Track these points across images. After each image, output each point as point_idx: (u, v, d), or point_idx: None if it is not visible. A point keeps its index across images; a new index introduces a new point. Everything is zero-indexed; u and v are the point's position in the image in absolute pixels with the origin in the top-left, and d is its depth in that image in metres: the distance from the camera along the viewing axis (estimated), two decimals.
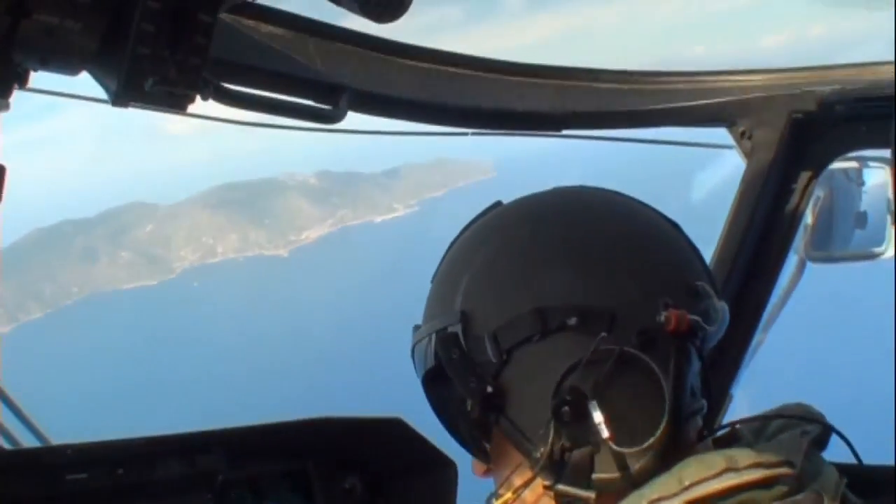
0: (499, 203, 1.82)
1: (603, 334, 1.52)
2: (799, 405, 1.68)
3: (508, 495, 1.64)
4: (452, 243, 1.81)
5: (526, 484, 1.60)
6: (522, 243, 1.67)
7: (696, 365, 1.60)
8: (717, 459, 1.47)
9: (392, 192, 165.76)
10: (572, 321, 1.54)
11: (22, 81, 2.09)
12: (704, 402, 1.65)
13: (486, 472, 1.75)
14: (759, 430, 1.66)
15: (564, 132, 3.10)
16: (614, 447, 1.50)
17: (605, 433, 1.49)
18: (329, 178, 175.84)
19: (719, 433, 1.70)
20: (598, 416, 1.50)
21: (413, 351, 1.77)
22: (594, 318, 1.54)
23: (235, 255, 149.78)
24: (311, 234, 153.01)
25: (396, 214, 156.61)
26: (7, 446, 3.78)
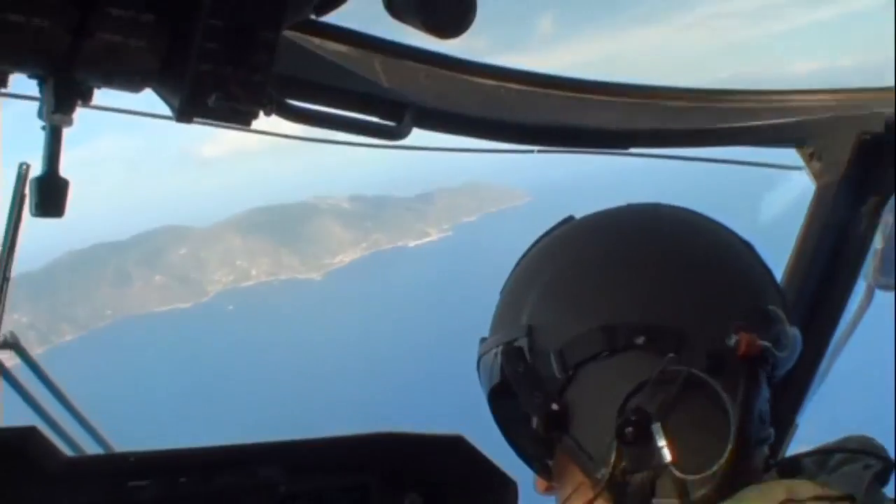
0: (571, 218, 1.80)
1: (671, 355, 1.49)
2: (862, 437, 1.65)
3: None
4: (523, 256, 1.79)
5: (591, 500, 1.57)
6: (593, 259, 1.64)
7: (765, 392, 1.57)
8: (777, 490, 1.44)
9: (425, 217, 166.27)
10: (640, 340, 1.51)
11: (85, 98, 2.08)
12: (772, 431, 1.61)
13: (548, 490, 1.73)
14: (821, 462, 1.61)
15: (631, 150, 3.04)
16: (676, 473, 1.47)
17: (668, 457, 1.47)
18: (362, 202, 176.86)
19: (783, 463, 1.64)
20: (661, 440, 1.47)
21: (479, 363, 1.76)
22: (663, 338, 1.51)
23: (269, 279, 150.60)
24: (345, 258, 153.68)
25: (430, 239, 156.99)
26: (70, 453, 3.77)
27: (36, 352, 4.35)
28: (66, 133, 2.20)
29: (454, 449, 3.62)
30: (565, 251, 1.70)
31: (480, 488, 3.74)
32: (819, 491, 1.43)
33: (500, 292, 1.78)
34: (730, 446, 1.47)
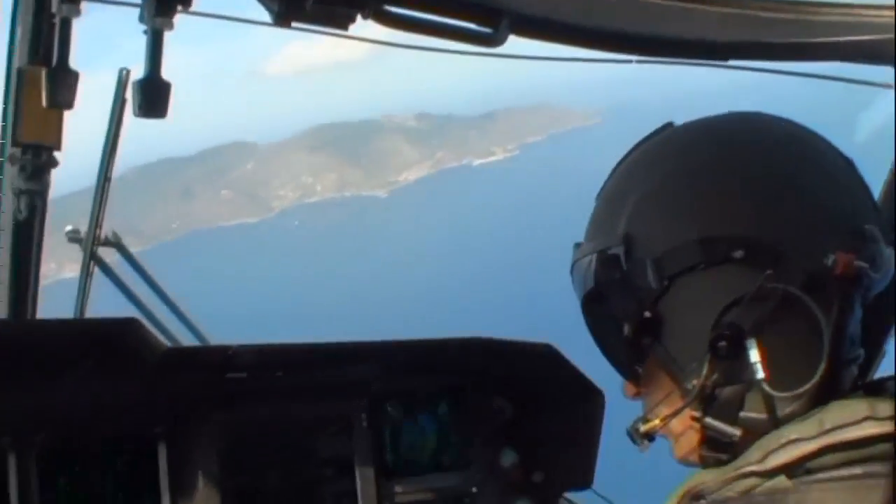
0: (670, 124, 1.76)
1: (769, 272, 1.47)
2: None
3: (656, 422, 1.64)
4: (620, 162, 1.76)
5: (675, 413, 1.60)
6: (695, 168, 1.62)
7: (858, 313, 1.55)
8: (859, 406, 1.43)
9: (491, 136, 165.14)
10: (738, 254, 1.50)
11: (185, 3, 2.09)
12: (862, 352, 1.59)
13: (637, 395, 1.75)
14: None
15: (730, 62, 2.95)
16: (767, 389, 1.47)
17: (760, 374, 1.47)
18: (428, 120, 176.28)
19: (869, 385, 1.63)
20: (754, 356, 1.48)
21: (573, 268, 1.75)
22: (761, 253, 1.50)
23: (334, 195, 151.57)
24: (410, 175, 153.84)
25: (495, 158, 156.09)
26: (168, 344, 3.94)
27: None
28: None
29: (544, 357, 3.70)
30: (666, 159, 1.67)
31: (568, 396, 3.83)
32: None
33: (597, 197, 1.76)
34: (821, 366, 1.46)
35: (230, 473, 3.57)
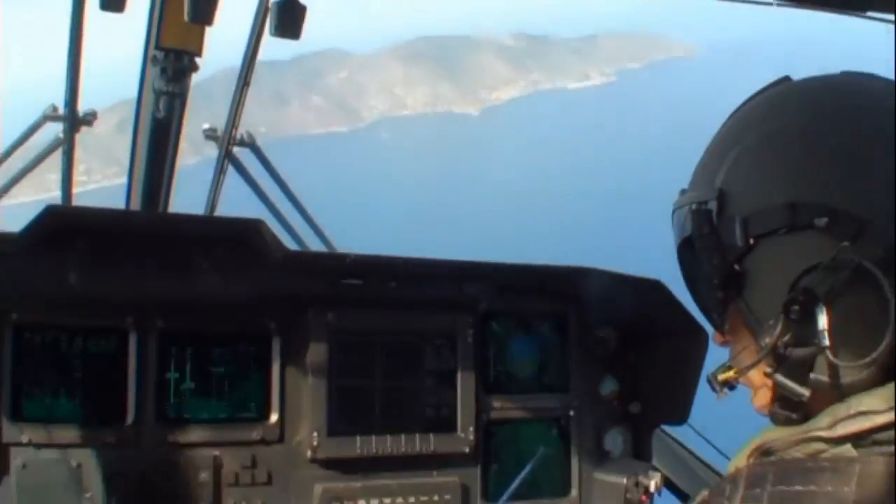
0: (786, 78, 1.75)
1: (845, 243, 1.49)
2: None
3: (731, 373, 1.69)
4: (733, 113, 1.76)
5: (749, 367, 1.64)
6: (793, 131, 1.61)
7: None
8: None
9: (588, 59, 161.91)
10: (821, 222, 1.51)
11: None
12: None
13: (724, 343, 1.78)
14: None
15: (868, 13, 2.89)
16: (830, 357, 1.50)
17: (826, 342, 1.49)
18: (524, 40, 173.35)
19: None
20: (822, 322, 1.49)
21: (673, 214, 1.79)
22: (843, 224, 1.50)
23: (425, 109, 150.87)
24: (503, 94, 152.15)
25: (592, 83, 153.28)
26: (295, 246, 4.12)
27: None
28: None
29: (652, 292, 3.75)
30: (769, 117, 1.67)
31: (673, 332, 3.87)
32: None
33: (707, 147, 1.78)
34: (885, 341, 1.47)
35: (337, 372, 3.74)
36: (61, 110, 4.18)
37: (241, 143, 4.23)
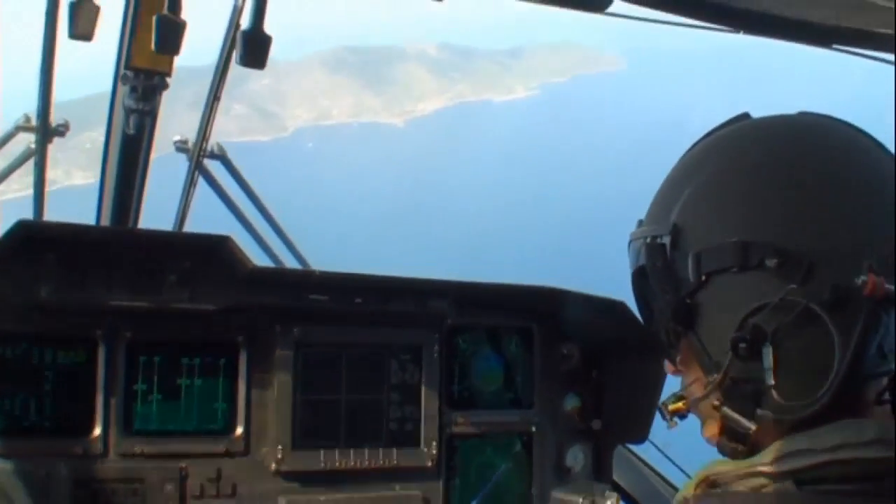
0: (745, 115, 1.82)
1: (792, 286, 1.54)
2: None
3: (680, 405, 1.78)
4: (691, 147, 1.82)
5: (698, 399, 1.71)
6: (746, 170, 1.66)
7: (891, 329, 1.59)
8: (869, 429, 1.52)
9: (513, 72, 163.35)
10: (772, 263, 1.56)
11: None
12: (893, 366, 1.62)
13: (675, 373, 1.84)
14: None
15: (834, 46, 3.00)
16: (774, 395, 1.56)
17: (771, 381, 1.55)
18: (450, 51, 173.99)
19: None
20: (769, 361, 1.55)
21: (629, 244, 1.84)
22: (793, 264, 1.55)
23: (350, 120, 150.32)
24: (428, 106, 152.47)
25: (516, 96, 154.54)
26: (263, 255, 4.19)
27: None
28: None
29: (616, 313, 3.83)
30: (725, 155, 1.72)
31: (635, 353, 3.97)
32: None
33: (664, 180, 1.83)
34: (830, 380, 1.53)
35: (303, 386, 3.80)
36: (34, 121, 4.17)
37: (212, 156, 4.27)
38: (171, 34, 2.70)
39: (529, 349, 4.21)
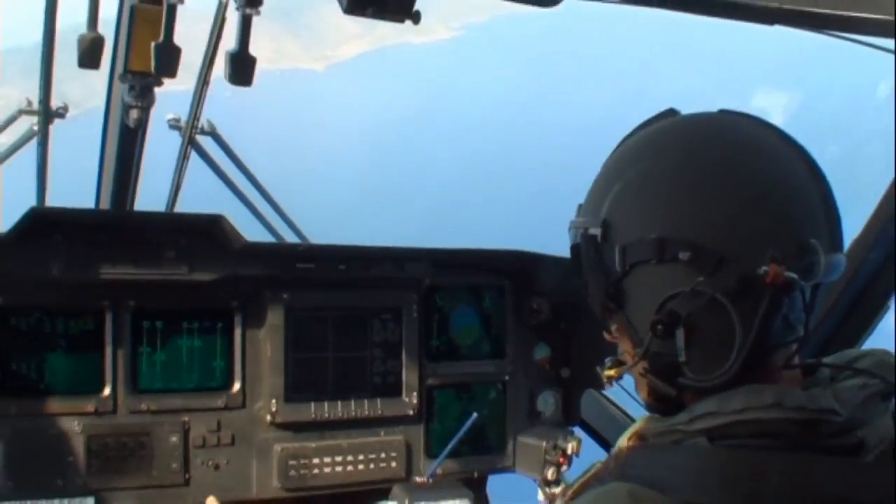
0: (671, 112, 1.99)
1: (700, 278, 1.72)
2: (877, 354, 1.88)
3: (613, 372, 1.98)
4: (621, 142, 1.99)
5: (627, 368, 1.94)
6: (664, 171, 1.84)
7: (797, 303, 1.77)
8: (768, 394, 1.70)
9: (433, 13, 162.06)
10: (685, 256, 1.73)
11: None
12: (802, 333, 1.81)
13: (613, 339, 2.03)
14: (834, 375, 1.86)
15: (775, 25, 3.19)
16: (685, 370, 1.79)
17: (682, 358, 1.76)
18: None
19: (805, 365, 1.90)
20: (681, 342, 1.76)
21: (569, 228, 2.04)
22: (704, 257, 1.73)
23: (271, 66, 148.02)
24: (348, 50, 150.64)
25: (438, 37, 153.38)
26: (259, 225, 4.52)
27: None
28: None
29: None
30: (646, 154, 1.89)
31: None
32: (804, 402, 1.67)
33: (597, 175, 2.02)
34: (731, 359, 1.72)
35: (293, 345, 4.12)
36: (35, 105, 4.35)
37: (203, 132, 4.47)
38: (168, 60, 2.95)
39: (502, 305, 4.53)
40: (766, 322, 1.72)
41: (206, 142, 4.64)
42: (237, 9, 2.64)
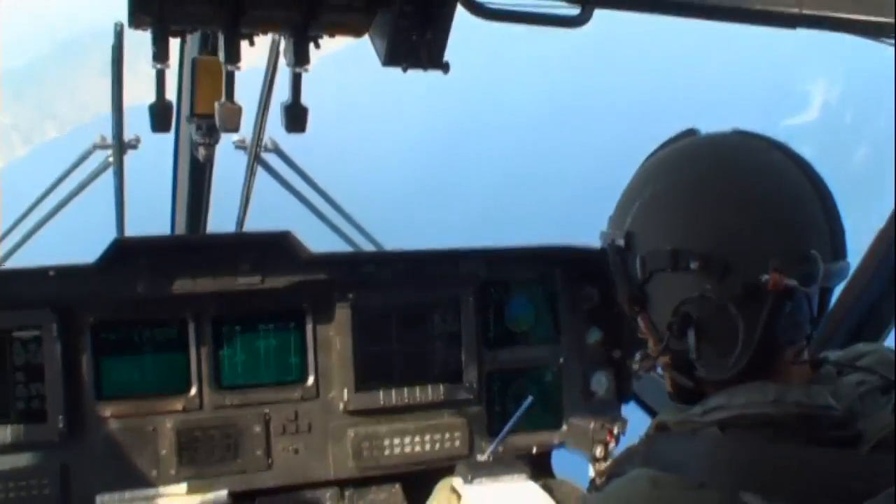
0: (691, 132, 2.17)
1: (707, 286, 1.92)
2: (880, 351, 2.08)
3: (641, 364, 2.21)
4: (646, 160, 2.19)
5: (651, 362, 2.17)
6: (679, 187, 2.03)
7: (803, 306, 1.95)
8: (769, 391, 1.87)
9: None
10: (695, 265, 1.92)
11: (317, 47, 2.83)
12: (809, 330, 2.00)
13: (642, 336, 2.25)
14: (838, 371, 2.02)
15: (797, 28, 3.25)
16: (697, 366, 2.03)
17: (693, 355, 1.97)
18: None
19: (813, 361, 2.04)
20: (692, 341, 1.97)
21: (600, 236, 2.26)
22: (712, 266, 1.91)
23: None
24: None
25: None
26: (333, 235, 4.95)
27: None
28: None
29: None
30: (665, 172, 2.09)
31: None
32: (803, 398, 1.85)
33: (623, 190, 2.18)
34: (735, 356, 1.91)
35: (360, 342, 4.48)
36: (109, 140, 4.81)
37: (267, 150, 4.86)
38: (231, 118, 3.17)
39: (554, 293, 4.80)
40: (770, 324, 1.90)
41: (271, 158, 5.00)
42: (287, 65, 2.94)
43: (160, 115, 3.16)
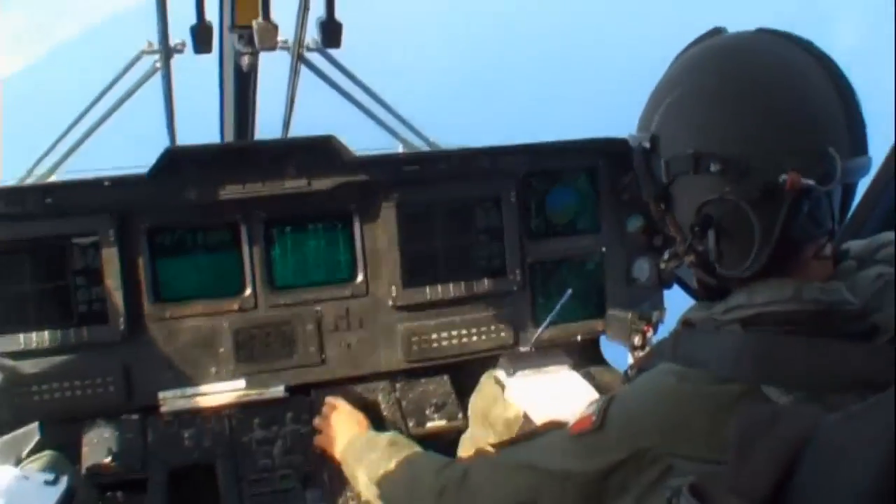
0: (718, 30, 2.22)
1: (727, 188, 2.00)
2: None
3: (671, 263, 2.30)
4: (674, 61, 2.23)
5: (676, 262, 2.27)
6: (703, 90, 2.08)
7: (823, 203, 2.02)
8: (788, 288, 1.96)
9: None
10: (715, 168, 2.01)
11: None
12: (829, 227, 2.06)
13: (670, 235, 2.36)
14: (859, 265, 2.08)
15: None
16: (716, 265, 2.14)
17: (713, 255, 2.09)
18: None
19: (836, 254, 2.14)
20: (711, 242, 2.09)
21: (628, 137, 2.36)
22: (732, 167, 1.99)
23: None
24: None
25: None
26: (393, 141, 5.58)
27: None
28: None
29: None
30: (690, 74, 2.13)
31: None
32: (820, 295, 1.92)
33: (651, 92, 2.25)
34: (752, 256, 2.02)
35: (406, 239, 4.60)
36: (155, 45, 4.83)
37: (310, 50, 4.89)
38: (267, 36, 3.30)
39: (594, 184, 4.85)
40: (788, 223, 1.98)
41: (314, 58, 5.03)
42: None
43: (201, 36, 3.18)
